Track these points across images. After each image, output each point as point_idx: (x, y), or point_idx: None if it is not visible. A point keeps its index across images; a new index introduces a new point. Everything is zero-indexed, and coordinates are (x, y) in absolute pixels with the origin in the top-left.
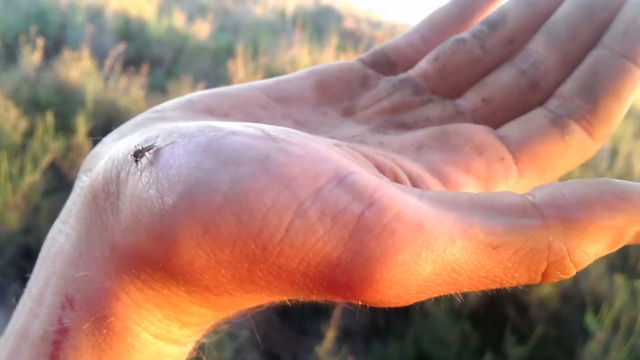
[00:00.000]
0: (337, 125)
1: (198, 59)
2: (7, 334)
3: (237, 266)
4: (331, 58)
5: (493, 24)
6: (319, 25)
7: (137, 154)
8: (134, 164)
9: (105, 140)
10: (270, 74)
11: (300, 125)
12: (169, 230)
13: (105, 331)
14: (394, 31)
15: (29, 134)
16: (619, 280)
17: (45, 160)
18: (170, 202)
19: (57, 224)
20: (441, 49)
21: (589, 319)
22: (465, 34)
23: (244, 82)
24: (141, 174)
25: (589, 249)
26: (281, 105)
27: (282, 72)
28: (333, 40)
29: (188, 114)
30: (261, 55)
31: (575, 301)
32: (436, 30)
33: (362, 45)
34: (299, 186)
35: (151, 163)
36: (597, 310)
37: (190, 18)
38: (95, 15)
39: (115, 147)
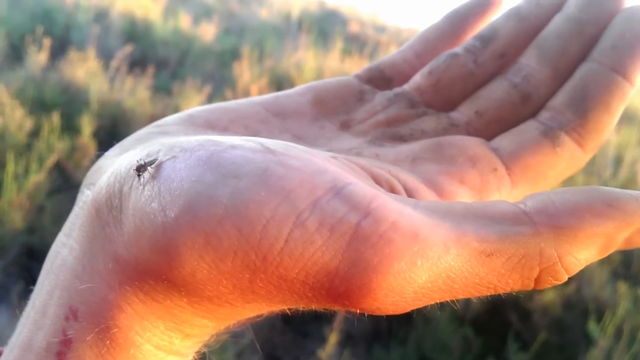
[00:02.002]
0: (334, 138)
1: (203, 61)
2: (11, 345)
3: (238, 276)
4: (336, 62)
5: (485, 39)
6: (324, 29)
7: (140, 169)
8: (137, 178)
9: (107, 155)
10: (275, 77)
11: (298, 138)
12: (172, 243)
13: (108, 342)
14: (399, 36)
15: (35, 133)
16: (622, 287)
17: (50, 160)
18: (173, 215)
19: (61, 237)
20: (435, 64)
21: (592, 326)
22: (458, 49)
23: (249, 84)
24: (143, 187)
25: (580, 255)
26: (279, 120)
27: (287, 76)
28: (338, 44)
29: (189, 128)
30: (266, 58)
31: (578, 308)
32: (430, 46)
33: (367, 49)
34: (298, 198)
35: (153, 177)
36: (600, 318)
37: (196, 20)
38: (101, 16)
39: (118, 161)
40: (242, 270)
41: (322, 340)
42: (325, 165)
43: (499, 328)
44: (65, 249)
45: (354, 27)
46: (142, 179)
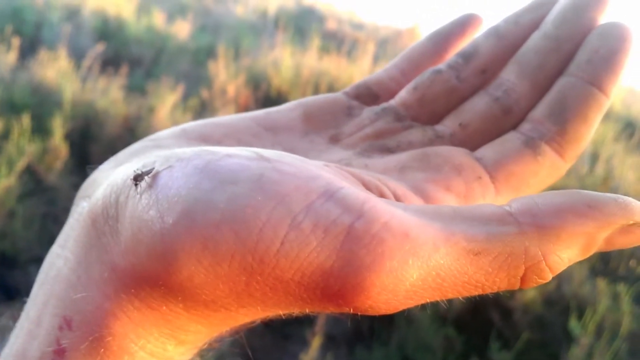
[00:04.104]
0: (324, 150)
1: (178, 60)
2: (4, 355)
3: (235, 280)
4: (314, 60)
5: (467, 56)
6: (300, 26)
7: (137, 178)
8: (134, 188)
9: (102, 168)
10: (252, 75)
11: (289, 151)
12: (170, 248)
13: (102, 351)
14: (376, 33)
15: (4, 136)
16: (601, 284)
17: (21, 164)
18: (171, 221)
19: (55, 249)
20: (420, 80)
21: (573, 324)
22: (441, 66)
23: (226, 83)
24: (141, 196)
25: (563, 253)
26: (271, 134)
27: (264, 74)
28: (316, 42)
29: (183, 141)
30: (243, 57)
31: (559, 305)
32: (414, 64)
33: (345, 46)
34: (292, 201)
35: (150, 186)
36: (580, 315)
37: (170, 18)
38: (73, 14)
39: (114, 174)
40: (239, 273)
41: (304, 342)
42: (319, 171)
43: (481, 327)
44: (59, 259)
45: (331, 25)
46: (139, 188)
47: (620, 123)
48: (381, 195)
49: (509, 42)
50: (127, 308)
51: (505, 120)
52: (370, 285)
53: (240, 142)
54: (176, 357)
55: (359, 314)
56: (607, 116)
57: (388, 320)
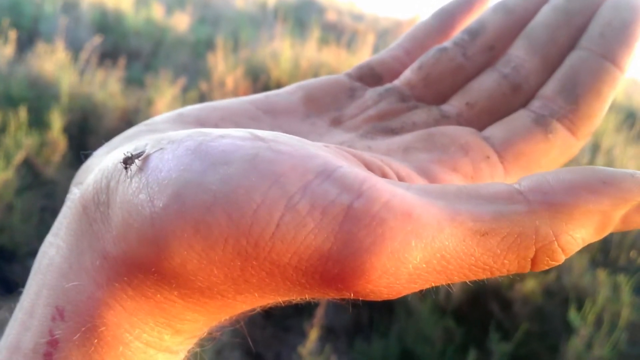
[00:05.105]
0: (325, 133)
1: (177, 52)
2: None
3: (230, 265)
4: (313, 51)
5: (473, 33)
6: (300, 18)
7: (127, 161)
8: (124, 172)
9: (96, 154)
10: (251, 67)
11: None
12: (160, 233)
13: (96, 341)
14: (376, 24)
15: (2, 129)
16: (602, 275)
17: (18, 157)
18: (161, 205)
19: (49, 237)
20: (425, 58)
21: (572, 315)
22: (447, 43)
23: (225, 75)
24: (131, 180)
25: (577, 233)
26: (270, 117)
27: (263, 66)
28: (315, 33)
29: (178, 125)
30: (242, 49)
31: (559, 296)
32: (418, 43)
33: (344, 38)
34: (288, 181)
35: (140, 169)
36: (580, 306)
37: (169, 10)
38: (71, 6)
39: (106, 159)
40: (233, 258)
41: (304, 335)
42: (316, 150)
43: (481, 318)
44: (52, 248)
45: (331, 16)
46: (129, 172)
47: (621, 114)
48: (383, 175)
49: (517, 16)
50: (120, 297)
51: (515, 98)
52: (371, 268)
53: (237, 125)
54: (174, 347)
55: (360, 299)
56: (609, 107)
57: (387, 312)
